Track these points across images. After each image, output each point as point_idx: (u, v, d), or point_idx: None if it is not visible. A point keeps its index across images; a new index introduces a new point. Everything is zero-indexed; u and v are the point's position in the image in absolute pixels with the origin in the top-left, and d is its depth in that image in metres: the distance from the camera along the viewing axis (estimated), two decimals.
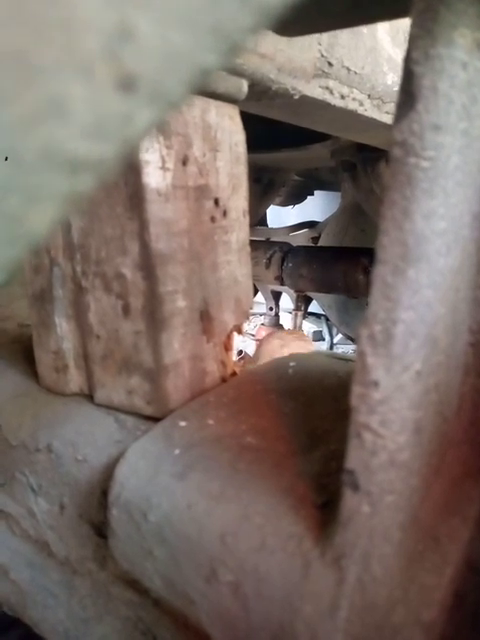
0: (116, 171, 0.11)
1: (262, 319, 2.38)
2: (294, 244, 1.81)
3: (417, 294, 0.26)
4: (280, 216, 2.86)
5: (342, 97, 0.68)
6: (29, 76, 0.09)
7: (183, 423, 0.41)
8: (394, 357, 0.26)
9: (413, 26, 0.25)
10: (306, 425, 0.41)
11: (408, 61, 0.26)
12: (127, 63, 0.09)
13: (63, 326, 0.50)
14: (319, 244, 2.11)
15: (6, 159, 0.09)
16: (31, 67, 0.08)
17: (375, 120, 0.79)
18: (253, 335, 2.29)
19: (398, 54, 0.74)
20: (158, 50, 0.09)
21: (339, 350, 2.92)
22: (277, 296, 2.28)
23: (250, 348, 2.27)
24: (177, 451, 0.38)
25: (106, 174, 0.10)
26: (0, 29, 0.08)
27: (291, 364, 0.52)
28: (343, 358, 0.55)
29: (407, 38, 0.26)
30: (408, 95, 0.25)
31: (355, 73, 0.66)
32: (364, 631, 0.28)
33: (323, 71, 0.62)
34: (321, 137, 1.24)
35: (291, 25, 0.46)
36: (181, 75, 0.10)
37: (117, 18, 0.09)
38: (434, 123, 0.25)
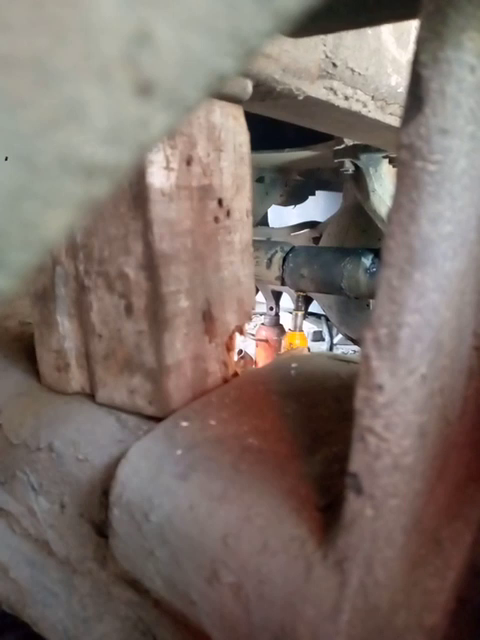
0: (129, 175, 0.11)
1: (262, 319, 2.38)
2: (295, 244, 1.81)
3: (423, 298, 0.26)
4: (281, 216, 2.86)
5: (346, 98, 0.68)
6: (47, 81, 0.08)
7: (185, 423, 0.41)
8: (399, 361, 0.26)
9: (421, 29, 0.25)
10: (308, 427, 0.41)
11: (416, 64, 0.25)
12: (145, 68, 0.09)
13: (65, 325, 0.50)
14: (320, 244, 2.11)
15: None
16: (49, 72, 0.08)
17: (378, 121, 0.78)
18: (253, 335, 2.29)
19: (402, 55, 0.74)
20: (176, 55, 0.09)
21: (339, 350, 2.92)
22: (277, 296, 2.28)
23: (250, 348, 2.27)
24: (179, 451, 0.38)
25: (120, 179, 0.10)
26: (18, 33, 0.08)
27: (293, 365, 0.52)
28: (345, 359, 0.55)
29: (413, 40, 0.26)
30: (416, 98, 0.25)
31: (359, 74, 0.66)
32: (366, 634, 0.28)
33: (328, 72, 0.62)
34: (324, 137, 1.24)
35: (298, 26, 0.45)
36: (198, 80, 0.10)
37: (135, 23, 0.09)
38: (441, 127, 0.25)
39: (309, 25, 0.44)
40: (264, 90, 0.55)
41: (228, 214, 0.50)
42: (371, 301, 1.94)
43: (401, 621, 0.28)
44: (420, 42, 0.25)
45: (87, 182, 0.10)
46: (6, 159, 0.09)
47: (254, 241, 0.55)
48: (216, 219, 0.48)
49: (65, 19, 0.08)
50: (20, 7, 0.08)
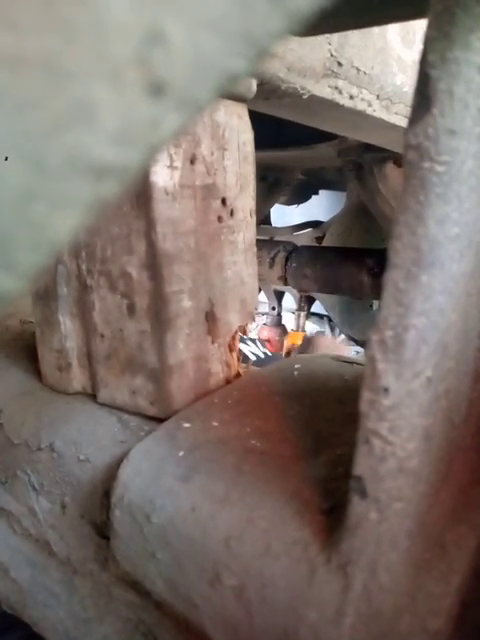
0: (138, 176, 0.10)
1: (264, 319, 2.38)
2: (298, 244, 1.80)
3: (429, 300, 0.25)
4: (284, 215, 2.85)
5: (351, 97, 0.67)
6: (57, 81, 0.08)
7: (187, 424, 0.41)
8: (405, 363, 0.26)
9: (429, 28, 0.25)
10: (312, 428, 0.40)
11: (424, 64, 0.25)
12: (156, 68, 0.09)
13: (67, 324, 0.50)
14: (323, 244, 2.10)
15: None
16: (60, 71, 0.08)
17: (383, 121, 0.78)
18: (255, 335, 2.29)
19: (408, 55, 0.74)
20: (188, 55, 0.09)
21: None
22: (280, 296, 2.28)
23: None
24: (181, 453, 0.38)
25: (129, 180, 0.10)
26: (28, 33, 0.08)
27: (296, 366, 0.52)
28: (348, 360, 0.54)
29: (419, 39, 0.25)
30: (423, 98, 0.25)
31: (364, 73, 0.66)
32: (369, 639, 0.27)
33: (333, 71, 0.61)
34: (328, 136, 1.24)
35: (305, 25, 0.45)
36: (210, 80, 0.10)
37: (147, 22, 0.09)
38: (449, 127, 0.25)
39: (315, 24, 0.43)
40: (269, 89, 0.55)
41: (232, 213, 0.50)
42: (374, 302, 1.93)
43: (405, 625, 0.27)
44: (428, 42, 0.25)
45: (96, 183, 0.09)
46: (6, 159, 0.09)
47: (257, 240, 0.55)
48: (219, 218, 0.48)
49: (76, 18, 0.08)
50: (30, 6, 0.08)
